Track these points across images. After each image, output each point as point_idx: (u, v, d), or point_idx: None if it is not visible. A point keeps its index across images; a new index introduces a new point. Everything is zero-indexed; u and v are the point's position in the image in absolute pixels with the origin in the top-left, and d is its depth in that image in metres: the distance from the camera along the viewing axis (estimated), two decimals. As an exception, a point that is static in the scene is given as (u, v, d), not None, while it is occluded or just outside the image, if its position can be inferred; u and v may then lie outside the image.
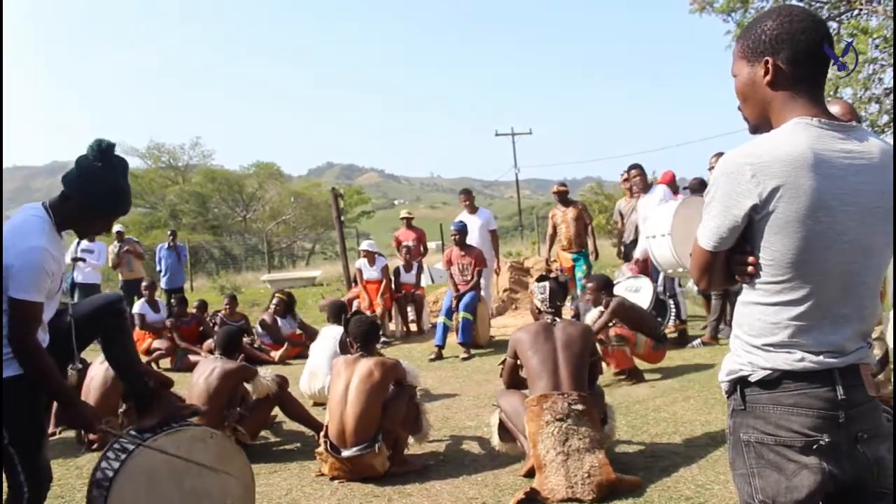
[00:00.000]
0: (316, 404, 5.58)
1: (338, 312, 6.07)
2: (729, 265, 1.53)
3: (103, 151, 2.54)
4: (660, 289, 7.03)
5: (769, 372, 1.47)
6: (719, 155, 7.06)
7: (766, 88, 1.52)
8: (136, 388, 2.85)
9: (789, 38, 1.48)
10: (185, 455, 2.72)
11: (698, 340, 6.87)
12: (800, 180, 1.39)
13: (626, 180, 8.54)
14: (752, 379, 1.50)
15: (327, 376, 5.28)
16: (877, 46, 11.37)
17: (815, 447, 1.43)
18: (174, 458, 2.69)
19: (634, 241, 8.29)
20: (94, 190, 2.53)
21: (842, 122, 1.49)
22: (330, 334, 5.99)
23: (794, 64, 1.48)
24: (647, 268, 7.57)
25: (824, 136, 1.45)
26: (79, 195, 2.52)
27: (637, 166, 7.80)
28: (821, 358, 1.44)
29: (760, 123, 1.57)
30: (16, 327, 2.32)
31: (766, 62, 1.50)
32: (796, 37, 1.47)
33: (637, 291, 6.82)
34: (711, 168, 7.14)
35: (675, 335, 6.99)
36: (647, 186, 7.64)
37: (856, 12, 12.63)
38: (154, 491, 2.65)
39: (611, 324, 5.80)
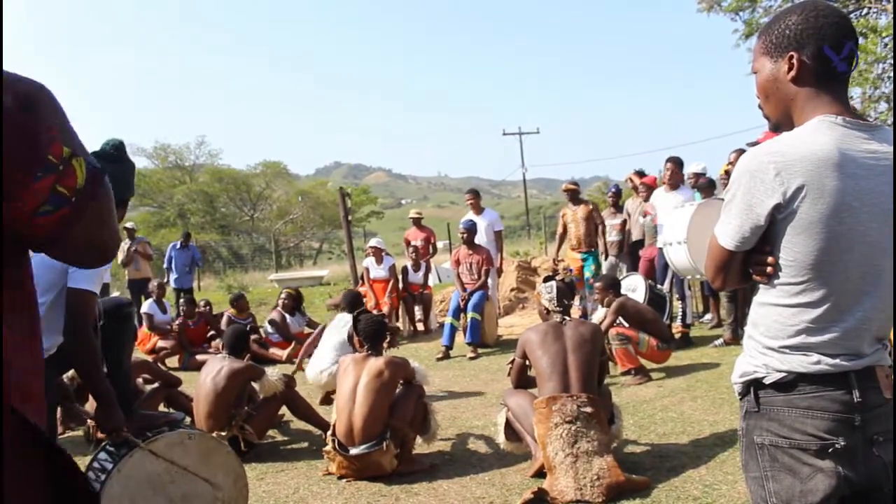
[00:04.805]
0: (322, 403, 5.59)
1: (353, 302, 6.08)
2: (746, 265, 1.50)
3: (119, 149, 2.70)
4: (665, 288, 6.99)
5: (784, 374, 1.44)
6: (739, 151, 6.95)
7: (789, 85, 1.49)
8: (120, 393, 2.79)
9: (815, 32, 1.44)
10: (167, 460, 2.67)
11: (721, 340, 6.79)
12: (824, 180, 1.36)
13: (630, 179, 8.47)
14: (767, 381, 1.46)
15: (333, 364, 5.24)
16: (885, 45, 11.29)
17: (830, 450, 1.41)
18: (156, 468, 2.64)
19: (640, 242, 8.23)
20: (132, 187, 2.71)
21: (866, 121, 1.46)
22: (343, 321, 5.92)
23: (819, 59, 1.45)
24: (651, 268, 7.52)
25: (849, 135, 1.41)
26: (127, 198, 2.68)
27: (673, 159, 7.62)
28: (837, 361, 1.41)
29: (782, 121, 1.54)
30: (76, 317, 2.41)
31: (791, 57, 1.46)
32: (822, 32, 1.44)
33: (634, 291, 6.79)
34: (731, 164, 7.02)
35: (677, 337, 6.94)
36: (676, 183, 7.48)
37: (864, 11, 12.56)
38: None
39: (615, 323, 5.79)
